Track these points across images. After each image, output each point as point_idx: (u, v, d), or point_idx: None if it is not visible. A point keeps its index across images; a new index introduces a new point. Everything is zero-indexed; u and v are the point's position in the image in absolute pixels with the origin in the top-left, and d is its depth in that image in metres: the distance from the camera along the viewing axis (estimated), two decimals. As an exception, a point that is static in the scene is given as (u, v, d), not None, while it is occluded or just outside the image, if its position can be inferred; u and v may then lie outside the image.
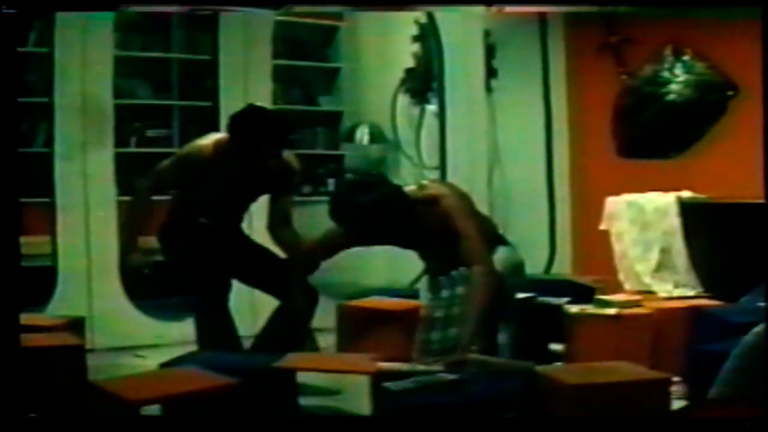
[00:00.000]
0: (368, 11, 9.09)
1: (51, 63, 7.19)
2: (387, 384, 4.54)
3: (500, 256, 5.54)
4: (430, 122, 9.28)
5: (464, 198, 5.60)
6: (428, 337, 5.52)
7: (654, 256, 8.15)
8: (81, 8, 6.51)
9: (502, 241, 5.73)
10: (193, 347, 5.79)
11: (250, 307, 7.34)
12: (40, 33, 7.12)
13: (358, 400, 4.90)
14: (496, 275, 5.35)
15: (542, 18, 9.44)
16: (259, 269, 6.01)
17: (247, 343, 6.06)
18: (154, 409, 4.04)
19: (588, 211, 8.86)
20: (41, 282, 6.95)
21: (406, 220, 5.42)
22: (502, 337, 5.62)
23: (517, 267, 5.72)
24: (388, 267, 8.54)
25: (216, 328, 5.88)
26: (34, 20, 8.09)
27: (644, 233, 8.22)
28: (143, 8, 7.59)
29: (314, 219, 6.68)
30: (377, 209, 5.32)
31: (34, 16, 7.90)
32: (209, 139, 5.84)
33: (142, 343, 7.15)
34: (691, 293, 7.44)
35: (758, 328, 4.07)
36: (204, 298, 5.92)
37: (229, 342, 5.81)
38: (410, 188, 5.65)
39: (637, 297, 6.53)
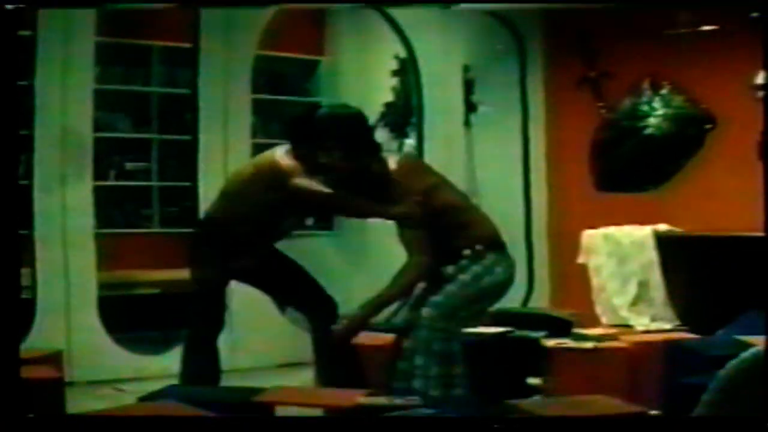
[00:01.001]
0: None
1: (31, 95, 7.19)
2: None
3: (477, 269, 5.37)
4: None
5: (426, 184, 5.44)
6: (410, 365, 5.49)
7: (631, 290, 8.18)
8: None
9: (497, 246, 5.48)
10: (172, 380, 5.77)
11: (228, 341, 7.34)
12: (20, 64, 7.12)
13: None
14: (425, 272, 5.33)
15: (521, 52, 9.50)
16: (290, 286, 5.93)
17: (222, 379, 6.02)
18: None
19: (565, 244, 8.89)
20: (19, 314, 6.93)
21: (363, 155, 5.42)
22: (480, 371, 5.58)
23: (488, 289, 5.42)
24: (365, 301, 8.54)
25: (203, 362, 5.84)
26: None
27: (621, 266, 8.26)
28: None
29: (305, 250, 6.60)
30: (335, 123, 5.39)
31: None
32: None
33: (121, 377, 7.13)
34: (668, 326, 7.47)
35: (735, 361, 4.08)
36: (196, 331, 5.87)
37: (210, 378, 5.77)
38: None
39: (614, 330, 6.56)
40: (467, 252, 5.38)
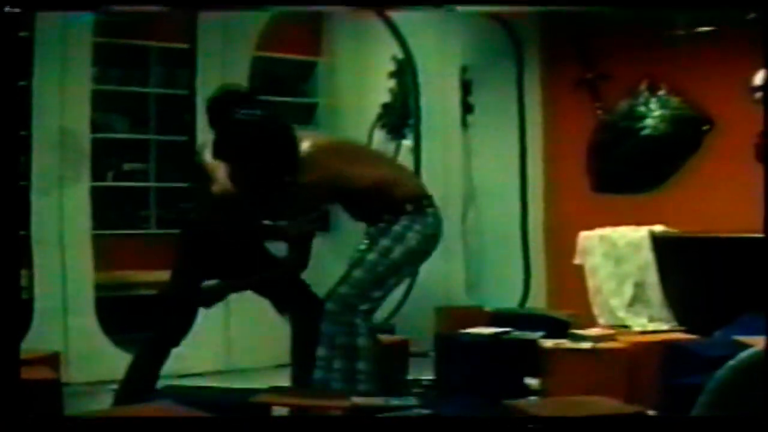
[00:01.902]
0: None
1: (29, 96, 7.18)
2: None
3: (386, 242, 5.37)
4: (406, 157, 9.30)
5: (330, 172, 5.33)
6: None
7: (628, 290, 8.18)
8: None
9: (413, 209, 5.42)
10: (169, 381, 5.76)
11: (225, 341, 7.35)
12: (18, 65, 7.09)
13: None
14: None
15: (519, 54, 9.51)
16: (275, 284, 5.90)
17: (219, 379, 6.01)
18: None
19: (562, 245, 8.90)
20: (18, 316, 6.92)
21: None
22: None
23: (399, 260, 5.37)
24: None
25: (153, 367, 5.81)
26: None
27: (618, 267, 8.26)
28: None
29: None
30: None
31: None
32: None
33: (118, 378, 7.12)
34: (666, 327, 7.47)
35: (732, 362, 4.08)
36: (163, 335, 5.84)
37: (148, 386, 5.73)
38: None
39: (611, 331, 6.56)
40: (387, 217, 5.39)
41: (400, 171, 5.85)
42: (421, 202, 5.47)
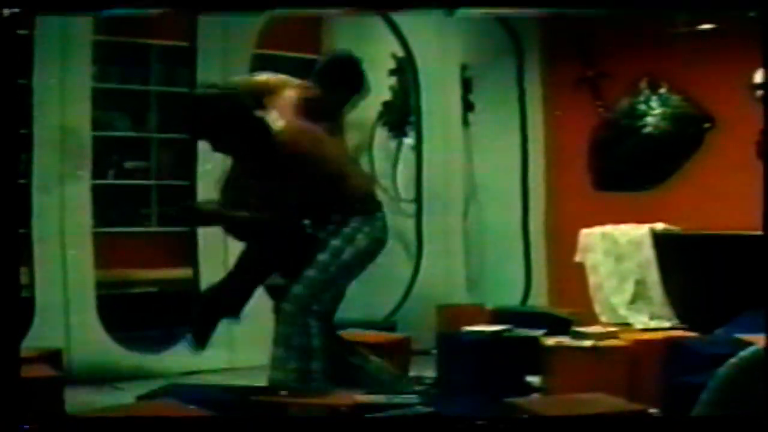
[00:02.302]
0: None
1: (30, 94, 7.18)
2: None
3: (337, 243, 5.45)
4: (407, 155, 9.31)
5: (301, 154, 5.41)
6: None
7: (629, 288, 8.19)
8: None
9: (363, 210, 5.54)
10: (170, 379, 5.77)
11: (229, 339, 7.34)
12: (18, 64, 7.08)
13: None
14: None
15: (519, 52, 9.50)
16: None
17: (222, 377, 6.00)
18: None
19: (564, 243, 8.90)
20: (19, 313, 6.91)
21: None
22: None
23: (350, 261, 5.48)
24: (364, 300, 8.56)
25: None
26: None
27: (619, 265, 8.26)
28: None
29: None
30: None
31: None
32: None
33: (120, 376, 7.13)
34: (667, 325, 7.47)
35: (734, 360, 4.09)
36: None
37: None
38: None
39: (613, 329, 6.56)
40: (336, 217, 5.42)
41: (361, 171, 5.94)
42: (371, 205, 5.59)
